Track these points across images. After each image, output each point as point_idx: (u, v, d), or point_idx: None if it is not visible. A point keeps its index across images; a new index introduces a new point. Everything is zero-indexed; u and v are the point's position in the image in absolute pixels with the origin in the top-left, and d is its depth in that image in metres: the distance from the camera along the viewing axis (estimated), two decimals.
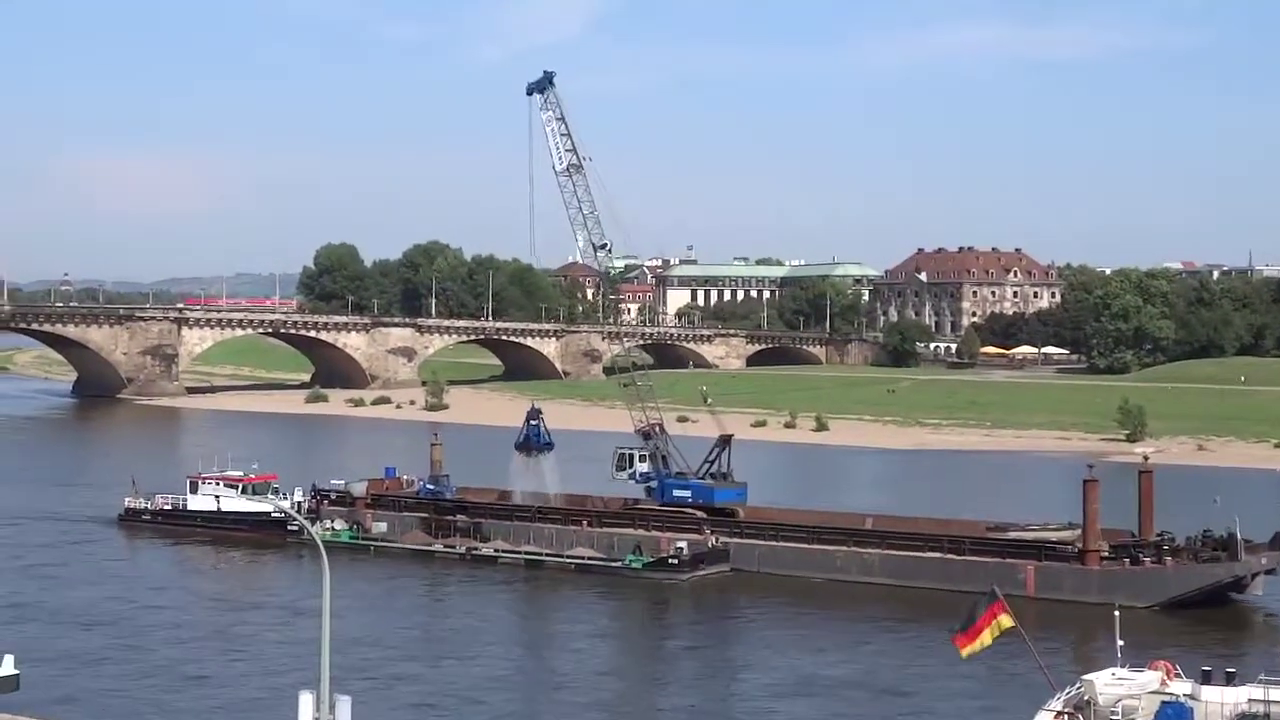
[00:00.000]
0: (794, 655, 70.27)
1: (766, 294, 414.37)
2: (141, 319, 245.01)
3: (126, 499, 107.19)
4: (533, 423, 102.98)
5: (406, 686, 63.16)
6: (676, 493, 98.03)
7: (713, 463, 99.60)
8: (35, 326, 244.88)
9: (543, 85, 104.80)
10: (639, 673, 68.27)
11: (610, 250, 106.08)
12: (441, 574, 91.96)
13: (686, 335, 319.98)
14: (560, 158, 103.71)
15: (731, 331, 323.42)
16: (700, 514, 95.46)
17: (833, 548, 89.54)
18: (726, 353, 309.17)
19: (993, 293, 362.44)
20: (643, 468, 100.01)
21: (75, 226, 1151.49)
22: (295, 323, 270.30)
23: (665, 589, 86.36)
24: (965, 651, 45.36)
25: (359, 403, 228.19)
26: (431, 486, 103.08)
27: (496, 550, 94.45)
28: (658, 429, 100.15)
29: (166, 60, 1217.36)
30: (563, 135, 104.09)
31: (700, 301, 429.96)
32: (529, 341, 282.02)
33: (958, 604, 68.46)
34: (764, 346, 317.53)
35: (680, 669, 67.86)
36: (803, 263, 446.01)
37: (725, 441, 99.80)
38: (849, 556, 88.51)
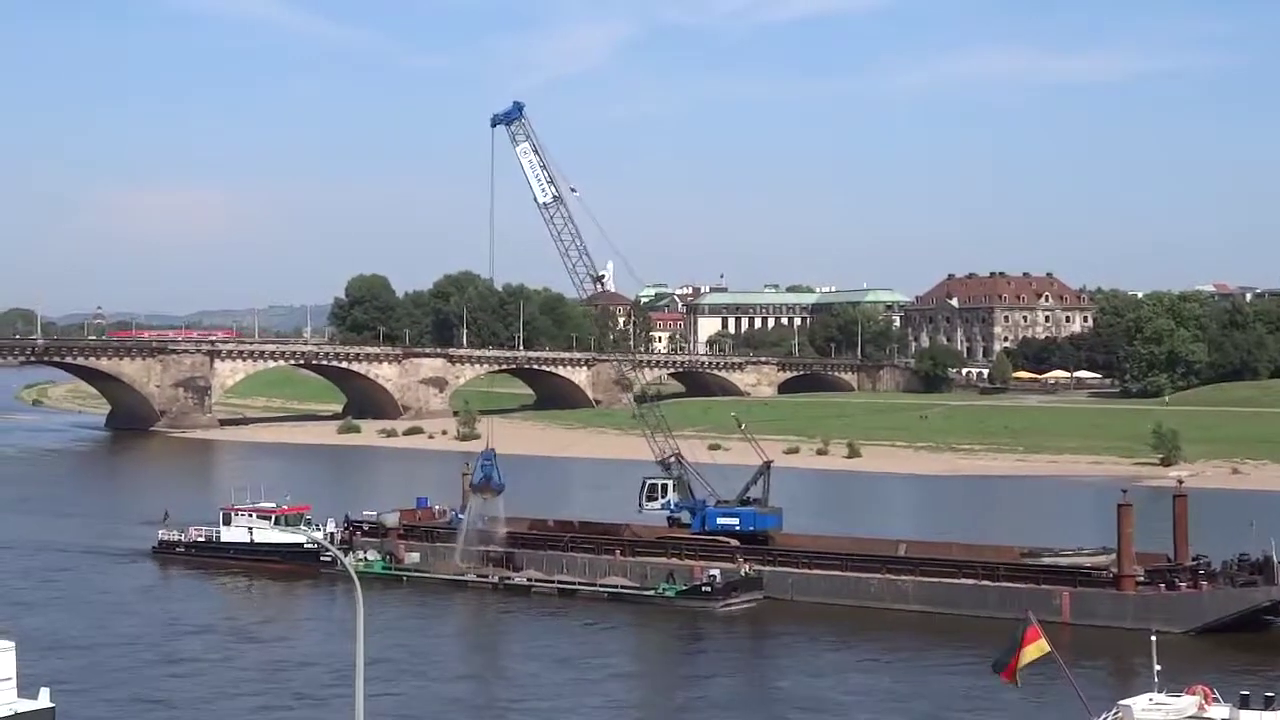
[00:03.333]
0: (829, 683, 69.87)
1: (797, 321, 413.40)
2: (174, 352, 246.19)
3: (160, 531, 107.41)
4: (486, 463, 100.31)
5: (440, 716, 62.89)
6: (721, 520, 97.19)
7: (749, 488, 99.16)
8: (69, 360, 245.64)
9: (510, 117, 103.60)
10: (672, 702, 67.92)
11: (603, 281, 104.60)
12: (475, 603, 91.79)
13: (718, 363, 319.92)
14: (543, 190, 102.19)
15: (763, 359, 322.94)
16: (733, 542, 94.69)
17: (866, 575, 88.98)
18: (758, 380, 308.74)
19: (1024, 317, 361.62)
20: (673, 498, 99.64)
21: (107, 260, 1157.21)
22: (327, 354, 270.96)
23: (698, 617, 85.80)
24: (1006, 681, 45.10)
25: (391, 433, 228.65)
26: (463, 516, 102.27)
27: (529, 580, 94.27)
28: (676, 459, 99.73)
29: (197, 94, 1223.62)
30: (541, 168, 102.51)
31: (731, 329, 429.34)
32: (560, 370, 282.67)
33: (992, 630, 69.46)
34: (795, 374, 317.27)
35: (714, 698, 67.38)
36: (833, 289, 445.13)
37: (766, 467, 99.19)
38: (883, 584, 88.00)
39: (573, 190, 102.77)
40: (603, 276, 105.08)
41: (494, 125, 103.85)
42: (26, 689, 54.27)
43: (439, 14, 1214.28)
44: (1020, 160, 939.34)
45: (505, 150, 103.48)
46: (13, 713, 53.28)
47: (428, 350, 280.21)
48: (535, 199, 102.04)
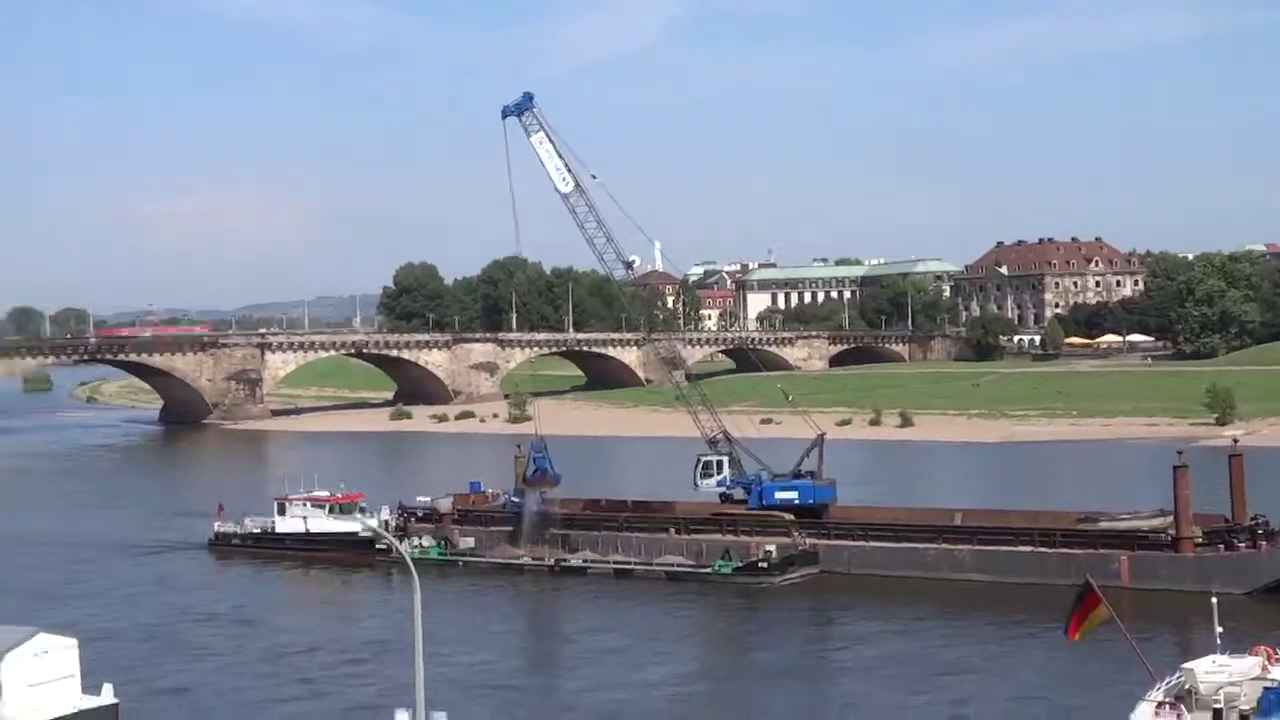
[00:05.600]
0: (889, 654, 69.45)
1: (847, 294, 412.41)
2: (225, 345, 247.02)
3: (215, 523, 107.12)
4: (538, 455, 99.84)
5: (501, 700, 62.76)
6: (780, 495, 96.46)
7: (802, 461, 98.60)
8: (121, 357, 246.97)
9: (521, 108, 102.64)
10: (733, 678, 67.55)
11: (633, 267, 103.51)
12: (531, 586, 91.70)
13: (768, 339, 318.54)
14: (563, 179, 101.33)
15: (813, 333, 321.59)
16: (788, 516, 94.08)
17: (923, 545, 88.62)
18: (809, 354, 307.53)
19: (1075, 283, 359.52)
20: (728, 474, 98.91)
21: (157, 258, 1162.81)
22: (377, 342, 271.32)
23: (755, 594, 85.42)
24: (1073, 638, 44.88)
25: (442, 418, 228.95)
26: (517, 499, 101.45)
27: (585, 560, 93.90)
28: (723, 436, 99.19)
29: (240, 92, 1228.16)
30: (558, 156, 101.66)
31: (781, 304, 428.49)
32: (610, 351, 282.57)
33: (1051, 597, 69.40)
34: (846, 347, 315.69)
35: (774, 672, 66.82)
36: (882, 261, 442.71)
37: (820, 439, 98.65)
38: (940, 554, 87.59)
39: (593, 177, 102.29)
40: (632, 262, 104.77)
41: (505, 117, 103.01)
42: (90, 686, 54.90)
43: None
44: (1065, 125, 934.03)
45: (524, 141, 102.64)
46: (76, 710, 53.99)
47: (477, 335, 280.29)
48: (556, 188, 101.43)
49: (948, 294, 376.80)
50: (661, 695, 63.02)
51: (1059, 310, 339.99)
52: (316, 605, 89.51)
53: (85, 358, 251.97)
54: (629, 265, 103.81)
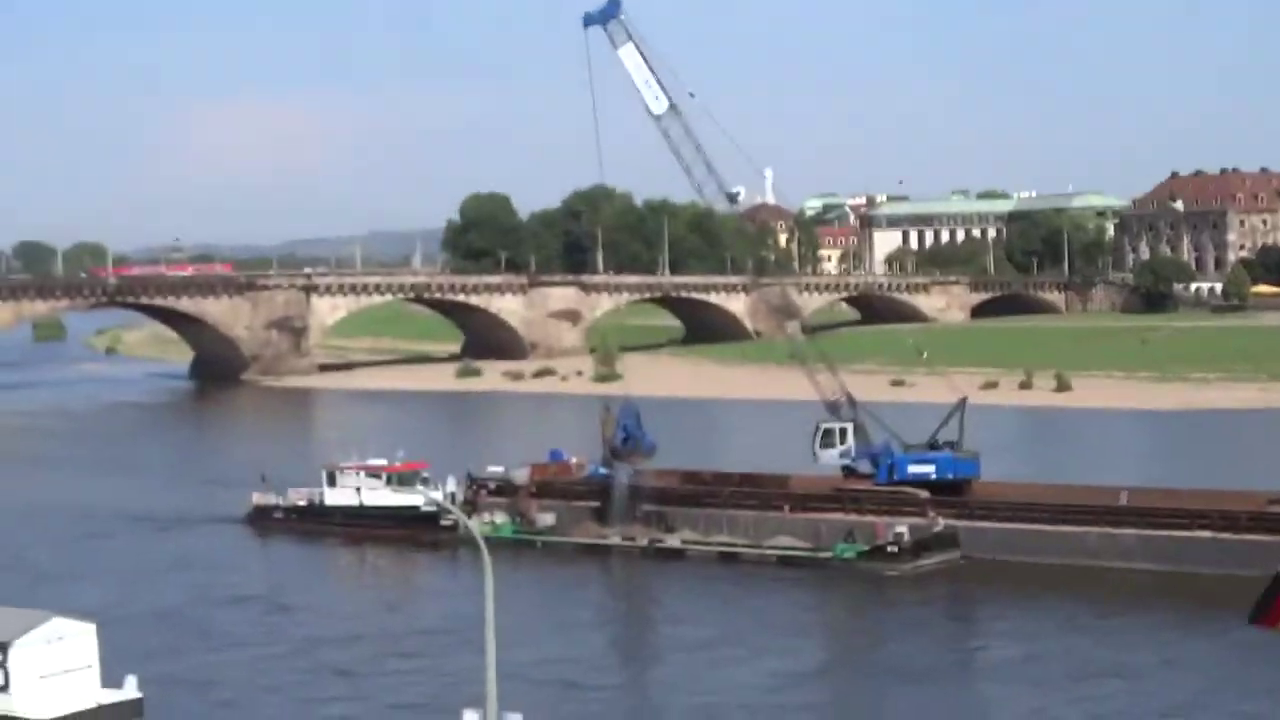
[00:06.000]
0: (1037, 653, 69.38)
1: (992, 233, 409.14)
2: (265, 288, 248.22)
3: (255, 495, 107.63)
4: (628, 420, 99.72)
5: (583, 701, 63.21)
6: (914, 468, 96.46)
7: (940, 430, 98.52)
8: (145, 300, 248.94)
9: (607, 14, 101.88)
10: (857, 681, 67.70)
11: (737, 199, 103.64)
12: (620, 571, 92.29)
13: (898, 285, 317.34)
14: (656, 98, 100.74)
15: (952, 278, 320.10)
16: (923, 493, 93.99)
17: (1081, 529, 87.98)
18: (947, 303, 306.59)
19: (1264, 221, 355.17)
20: (853, 444, 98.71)
21: (185, 186, 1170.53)
22: (441, 286, 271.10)
23: (884, 582, 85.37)
24: (1267, 629, 44.30)
25: (517, 376, 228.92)
26: (605, 471, 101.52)
27: (683, 542, 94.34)
28: (846, 399, 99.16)
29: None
30: (650, 72, 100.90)
31: (913, 244, 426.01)
32: (713, 298, 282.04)
33: (1233, 591, 68.41)
34: (991, 295, 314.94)
35: (905, 675, 66.80)
36: (1034, 194, 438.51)
37: (961, 404, 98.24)
38: (1102, 539, 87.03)
39: (690, 96, 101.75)
40: (737, 194, 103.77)
41: (587, 26, 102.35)
42: (110, 677, 55.58)
43: None
44: (1258, 34, 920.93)
45: (611, 53, 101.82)
46: (96, 705, 54.50)
47: (558, 278, 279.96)
48: (648, 109, 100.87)
49: (1111, 234, 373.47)
50: (770, 699, 62.97)
51: (1244, 253, 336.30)
52: (368, 589, 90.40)
53: (103, 301, 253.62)
54: (733, 197, 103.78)
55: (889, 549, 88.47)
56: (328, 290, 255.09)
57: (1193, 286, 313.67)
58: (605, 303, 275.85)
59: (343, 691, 64.67)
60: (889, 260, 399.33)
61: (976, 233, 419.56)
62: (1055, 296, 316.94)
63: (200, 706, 62.43)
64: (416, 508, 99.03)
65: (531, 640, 70.51)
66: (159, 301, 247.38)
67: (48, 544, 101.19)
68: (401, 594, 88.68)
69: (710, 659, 69.38)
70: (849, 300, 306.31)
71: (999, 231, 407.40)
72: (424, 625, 77.32)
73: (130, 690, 55.99)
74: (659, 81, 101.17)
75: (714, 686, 64.58)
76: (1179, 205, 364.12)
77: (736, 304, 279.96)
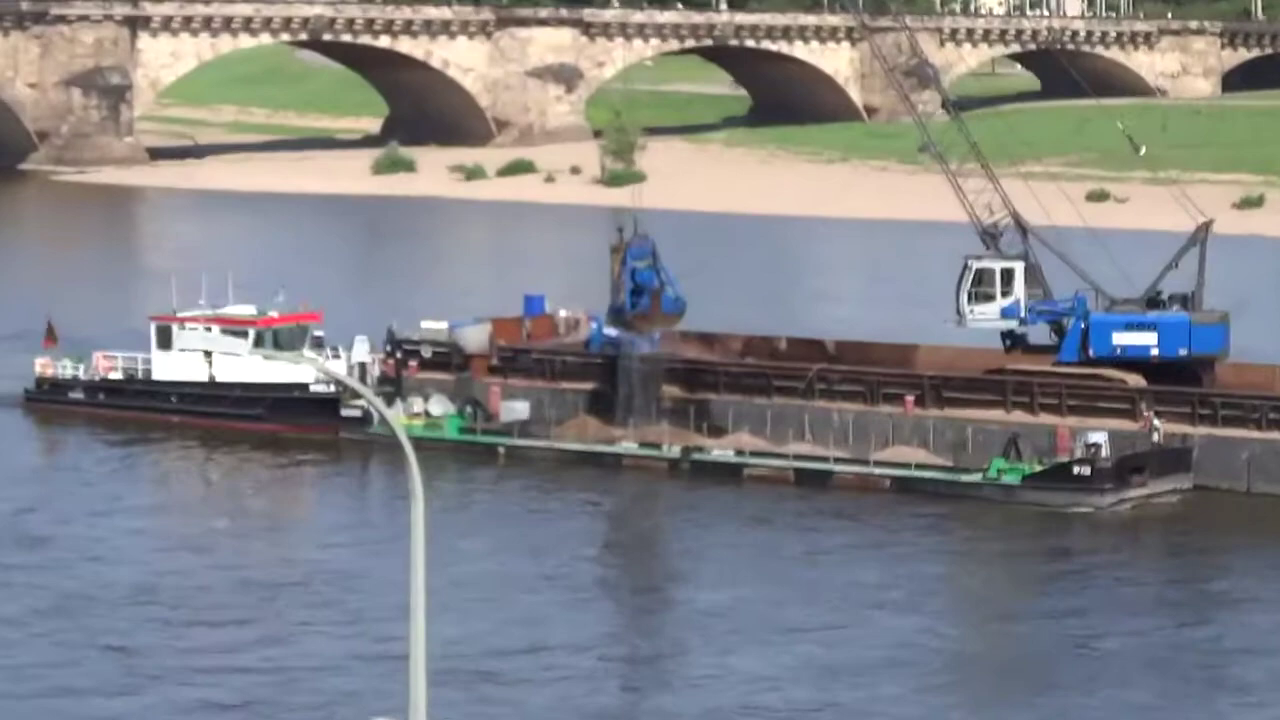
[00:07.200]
0: None
1: None
2: (63, 20, 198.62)
3: (38, 361, 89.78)
4: (639, 260, 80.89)
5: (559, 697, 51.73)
6: (1122, 338, 78.17)
7: (1164, 276, 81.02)
8: None
9: None
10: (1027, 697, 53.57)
11: None
12: (634, 496, 76.40)
13: (1103, 34, 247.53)
14: None
15: (1192, 25, 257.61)
16: (1134, 380, 77.03)
17: None
18: (1182, 65, 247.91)
19: None
20: (1021, 297, 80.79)
21: None
22: (353, 22, 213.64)
23: (1068, 524, 71.02)
24: None
25: (474, 173, 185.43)
26: (612, 332, 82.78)
27: (739, 452, 77.58)
28: (1013, 222, 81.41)
29: None
30: None
31: None
32: (798, 50, 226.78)
33: None
34: (1254, 54, 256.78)
35: (1121, 686, 52.95)
36: None
37: (1203, 233, 79.64)
38: None
39: None
40: None
41: None
42: None
43: None
44: None
45: None
46: None
47: (544, 14, 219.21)
48: None
49: None
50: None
51: None
52: (210, 520, 72.26)
53: None
54: None
55: (1078, 470, 73.54)
56: (165, 26, 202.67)
57: None
58: (621, 54, 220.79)
59: (124, 682, 53.00)
60: None
61: None
62: None
63: None
64: (304, 386, 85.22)
65: (481, 624, 56.93)
66: None
67: None
68: (263, 530, 72.15)
69: (792, 651, 55.28)
70: (1022, 58, 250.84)
71: None
72: (295, 578, 63.16)
73: None
74: None
75: (774, 679, 52.67)
76: None
77: (836, 60, 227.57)
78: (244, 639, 56.84)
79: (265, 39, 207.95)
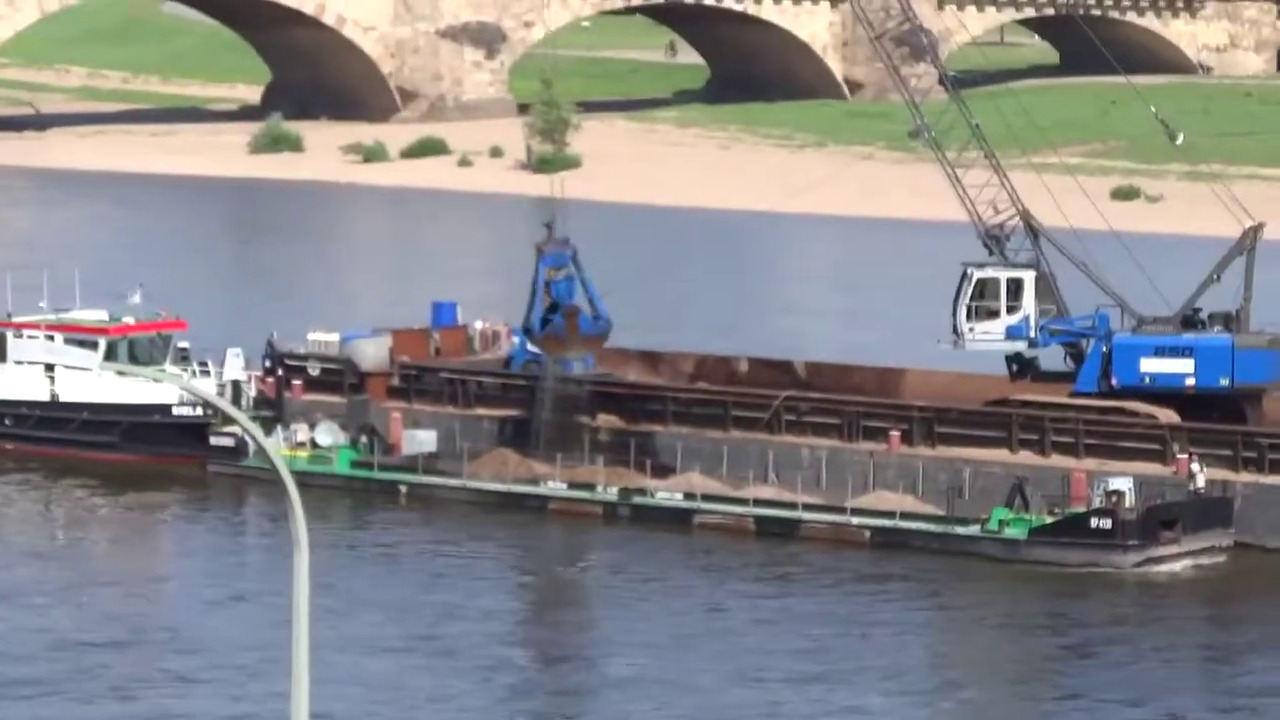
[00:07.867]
0: None
1: None
2: None
3: None
4: (557, 269, 76.06)
5: None
6: (1151, 365, 74.02)
7: (1203, 291, 76.91)
8: None
9: None
10: None
11: None
12: (561, 547, 72.67)
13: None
14: None
15: None
16: (1164, 415, 72.43)
17: None
18: (1230, 38, 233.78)
19: None
20: (1031, 312, 76.39)
21: None
22: None
23: (1084, 589, 66.94)
24: None
25: (372, 153, 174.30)
26: (535, 354, 78.14)
27: (689, 496, 73.17)
28: (1021, 222, 76.76)
29: None
30: None
31: None
32: (765, 11, 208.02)
33: None
34: None
35: None
36: None
37: (1252, 238, 74.52)
38: None
39: None
40: None
41: None
42: None
43: None
44: None
45: None
46: None
47: None
48: None
49: None
50: None
51: None
52: (50, 568, 67.63)
53: None
54: None
55: (1096, 523, 69.29)
56: None
57: None
58: (553, 12, 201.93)
59: None
60: None
61: None
62: None
63: None
64: (166, 408, 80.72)
65: (385, 682, 53.58)
66: None
67: None
68: (116, 580, 66.65)
69: None
70: (1037, 25, 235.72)
71: None
72: (151, 645, 57.76)
73: None
74: None
75: None
76: None
77: (812, 24, 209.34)
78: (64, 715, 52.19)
79: None
